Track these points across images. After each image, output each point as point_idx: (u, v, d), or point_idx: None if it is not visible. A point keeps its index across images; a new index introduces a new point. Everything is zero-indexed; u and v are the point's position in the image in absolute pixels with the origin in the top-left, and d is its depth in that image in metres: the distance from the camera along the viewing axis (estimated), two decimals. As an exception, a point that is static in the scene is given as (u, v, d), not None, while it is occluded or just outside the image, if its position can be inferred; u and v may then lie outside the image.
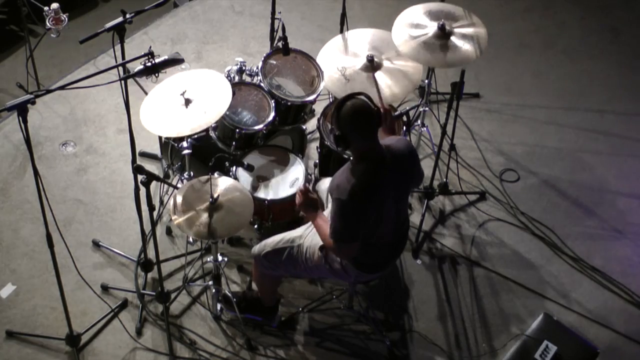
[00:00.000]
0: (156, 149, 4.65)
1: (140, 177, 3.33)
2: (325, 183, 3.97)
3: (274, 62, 4.37)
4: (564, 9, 6.03)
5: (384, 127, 3.64)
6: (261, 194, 4.07)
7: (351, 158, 3.52)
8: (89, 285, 3.88)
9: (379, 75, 4.18)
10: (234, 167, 4.11)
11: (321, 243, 3.66)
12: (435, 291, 4.34)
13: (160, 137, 4.44)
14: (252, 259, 3.88)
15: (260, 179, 4.14)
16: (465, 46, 4.11)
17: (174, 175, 4.48)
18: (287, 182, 4.12)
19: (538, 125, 5.20)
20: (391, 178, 3.44)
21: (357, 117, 3.31)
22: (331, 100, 4.47)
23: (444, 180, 4.69)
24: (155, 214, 4.25)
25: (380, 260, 3.72)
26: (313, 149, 4.61)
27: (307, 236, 3.74)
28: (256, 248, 3.84)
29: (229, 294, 4.02)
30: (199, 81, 3.93)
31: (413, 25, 4.19)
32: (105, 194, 4.65)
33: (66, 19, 4.67)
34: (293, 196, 3.95)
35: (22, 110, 3.08)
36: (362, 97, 3.36)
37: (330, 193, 3.46)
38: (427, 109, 4.80)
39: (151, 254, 4.04)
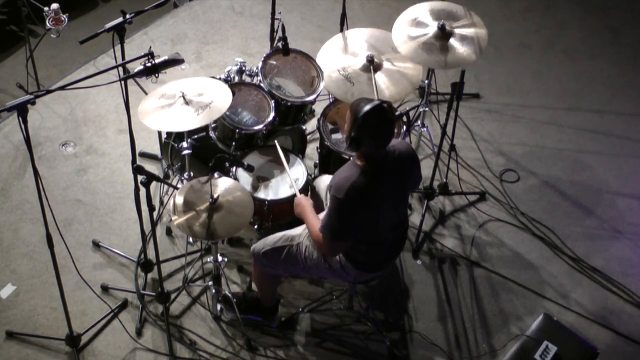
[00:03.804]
0: (156, 149, 4.65)
1: (140, 178, 3.33)
2: (323, 180, 3.97)
3: (274, 63, 4.37)
4: (564, 9, 6.03)
5: None
6: (261, 194, 4.07)
7: (353, 157, 3.53)
8: (89, 285, 3.88)
9: (378, 75, 4.18)
10: (234, 168, 4.11)
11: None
12: (435, 291, 4.33)
13: (160, 138, 4.44)
14: (252, 257, 3.88)
15: (260, 179, 4.14)
16: (465, 48, 4.10)
17: (174, 175, 4.48)
18: (287, 183, 4.12)
19: (538, 126, 5.20)
20: (391, 179, 3.45)
21: (380, 126, 3.32)
22: (331, 100, 4.45)
23: (444, 180, 4.69)
24: (155, 214, 4.25)
25: (379, 259, 3.72)
26: (313, 149, 4.61)
27: (307, 235, 3.74)
28: (256, 246, 3.85)
29: (229, 295, 4.02)
30: (203, 87, 3.92)
31: (414, 23, 4.18)
32: (105, 194, 4.65)
33: (66, 19, 4.67)
34: (293, 196, 3.95)
35: (22, 110, 3.08)
36: (386, 105, 3.35)
37: (329, 190, 3.47)
38: (427, 109, 4.80)
39: (151, 254, 4.05)
